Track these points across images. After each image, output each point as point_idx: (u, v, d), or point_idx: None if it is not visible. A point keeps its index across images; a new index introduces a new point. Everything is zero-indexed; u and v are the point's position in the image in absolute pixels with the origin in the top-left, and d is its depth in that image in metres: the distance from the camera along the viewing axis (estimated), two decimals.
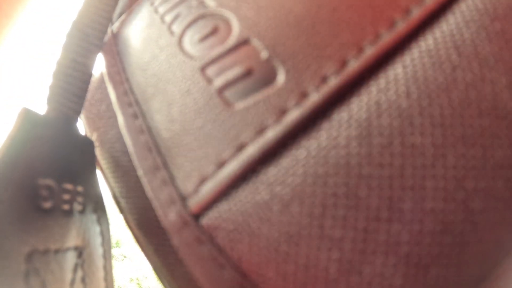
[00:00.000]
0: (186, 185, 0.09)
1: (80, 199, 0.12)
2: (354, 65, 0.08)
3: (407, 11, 0.09)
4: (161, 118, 0.10)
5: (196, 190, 0.08)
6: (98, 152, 0.13)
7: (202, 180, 0.08)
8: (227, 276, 0.08)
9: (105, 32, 0.13)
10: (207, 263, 0.08)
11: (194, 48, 0.10)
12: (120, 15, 0.15)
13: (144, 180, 0.09)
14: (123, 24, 0.13)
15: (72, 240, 0.11)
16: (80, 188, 0.12)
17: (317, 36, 0.09)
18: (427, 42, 0.08)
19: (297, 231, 0.07)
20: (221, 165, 0.08)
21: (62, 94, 0.12)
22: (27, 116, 0.11)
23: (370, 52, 0.08)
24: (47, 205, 0.11)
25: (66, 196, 0.11)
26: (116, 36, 0.13)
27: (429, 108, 0.08)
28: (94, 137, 0.13)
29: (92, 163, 0.12)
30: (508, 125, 0.07)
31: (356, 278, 0.07)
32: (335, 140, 0.08)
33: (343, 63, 0.08)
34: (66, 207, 0.11)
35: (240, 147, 0.08)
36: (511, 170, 0.07)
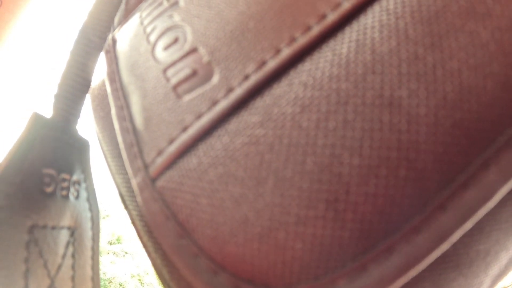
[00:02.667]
0: (148, 157, 0.11)
1: (75, 187, 0.14)
2: (271, 65, 0.10)
3: (323, 17, 0.10)
4: (137, 108, 0.12)
5: (153, 160, 0.11)
6: (102, 139, 0.15)
7: (158, 153, 0.11)
8: (170, 227, 0.10)
9: (104, 40, 0.15)
10: (158, 216, 0.10)
11: (160, 55, 0.13)
12: (119, 23, 0.18)
13: (124, 156, 0.12)
14: (120, 32, 0.16)
15: (67, 220, 0.14)
16: (75, 178, 0.14)
17: (245, 43, 0.11)
18: (337, 42, 0.10)
19: (211, 188, 0.10)
20: (170, 141, 0.11)
21: (65, 103, 0.14)
22: (37, 119, 0.13)
23: (285, 53, 0.10)
24: (49, 189, 0.13)
25: (64, 184, 0.14)
26: (115, 41, 0.16)
27: (326, 98, 0.09)
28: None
29: (87, 159, 0.15)
30: (391, 111, 0.09)
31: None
32: (246, 125, 0.10)
33: (262, 63, 0.10)
34: (63, 193, 0.14)
35: (184, 128, 0.11)
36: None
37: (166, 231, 0.10)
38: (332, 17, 0.10)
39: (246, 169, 0.09)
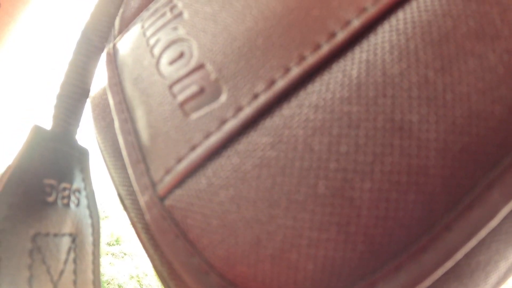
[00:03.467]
0: (156, 175, 0.11)
1: (75, 195, 0.15)
2: (280, 84, 0.10)
3: (332, 35, 0.10)
4: (142, 123, 0.12)
5: (162, 179, 0.11)
6: (104, 149, 0.15)
7: (166, 172, 0.11)
8: (180, 245, 0.10)
9: (105, 41, 0.15)
10: (167, 235, 0.10)
11: (166, 70, 0.13)
12: (120, 32, 0.17)
13: (130, 171, 0.12)
14: (121, 41, 0.16)
15: (68, 227, 0.14)
16: (76, 187, 0.15)
17: (253, 60, 0.11)
18: (347, 62, 0.10)
19: (222, 210, 0.10)
20: (179, 160, 0.11)
21: (64, 113, 0.15)
22: (37, 131, 0.14)
23: (295, 72, 0.10)
24: (50, 199, 0.14)
25: (65, 193, 0.14)
26: (116, 52, 0.15)
27: (338, 121, 0.09)
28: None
29: (86, 167, 0.16)
30: (402, 136, 0.09)
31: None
32: (256, 146, 0.10)
33: (272, 82, 0.10)
34: (64, 201, 0.14)
35: (193, 147, 0.11)
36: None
37: (175, 249, 0.10)
38: (341, 35, 0.10)
39: (258, 192, 0.09)
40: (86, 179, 0.15)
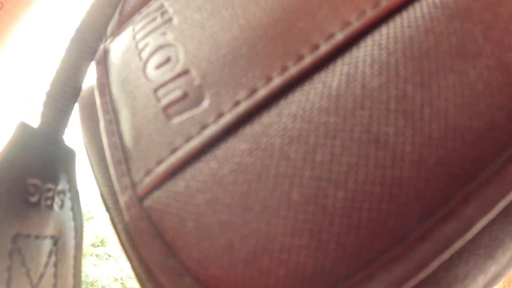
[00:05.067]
0: (136, 176, 0.11)
1: (60, 197, 0.14)
2: (261, 93, 0.10)
3: (316, 47, 0.10)
4: (126, 125, 0.13)
5: (141, 180, 0.11)
6: (89, 149, 0.15)
7: (146, 173, 0.11)
8: (156, 246, 0.10)
9: (99, 41, 0.15)
10: (145, 235, 0.10)
11: (152, 73, 0.13)
12: (112, 33, 0.17)
13: (112, 171, 0.12)
14: (112, 43, 0.16)
15: (50, 229, 0.14)
16: (60, 188, 0.15)
17: (237, 68, 0.11)
18: (328, 74, 0.10)
19: (198, 212, 0.10)
20: (159, 162, 0.11)
21: (53, 111, 0.15)
22: (23, 129, 0.14)
23: (276, 82, 0.10)
24: (33, 199, 0.14)
25: (49, 194, 0.14)
26: (106, 52, 0.16)
27: (315, 131, 0.09)
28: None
29: (72, 168, 0.15)
30: (377, 148, 0.09)
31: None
32: (234, 152, 0.10)
33: (253, 91, 0.11)
34: (48, 202, 0.14)
35: (173, 150, 0.11)
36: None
37: (152, 250, 0.10)
38: (324, 48, 0.10)
39: (234, 196, 0.10)
40: (71, 180, 0.15)
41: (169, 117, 0.12)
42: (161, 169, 0.11)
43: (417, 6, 0.10)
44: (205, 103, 0.11)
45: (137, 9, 0.17)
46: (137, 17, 0.16)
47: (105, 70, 0.15)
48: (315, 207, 0.09)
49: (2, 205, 0.13)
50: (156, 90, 0.12)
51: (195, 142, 0.11)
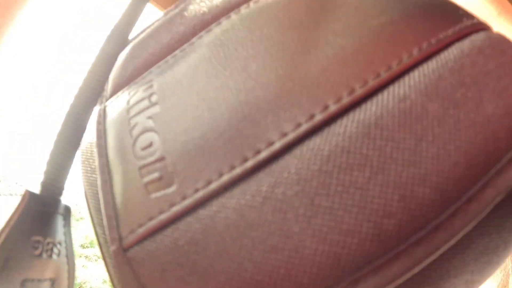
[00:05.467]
0: (123, 232, 0.15)
1: (57, 247, 0.19)
2: (213, 185, 0.13)
3: (270, 144, 0.13)
4: (118, 189, 0.16)
5: (127, 236, 0.14)
6: (88, 194, 0.18)
7: (131, 232, 0.14)
8: (133, 285, 0.14)
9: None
10: (126, 276, 0.14)
11: (138, 153, 0.16)
12: (112, 94, 0.20)
13: (105, 222, 0.15)
14: (111, 106, 0.19)
15: (49, 274, 0.18)
16: (58, 240, 0.19)
17: (199, 162, 0.14)
18: (259, 177, 0.13)
19: (162, 268, 0.13)
20: (140, 226, 0.14)
21: (53, 178, 0.19)
22: (29, 196, 0.18)
23: (225, 178, 0.13)
24: (37, 252, 0.18)
25: (49, 246, 0.18)
26: (105, 115, 0.19)
27: (243, 220, 0.13)
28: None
29: (68, 222, 0.19)
30: (285, 242, 0.12)
31: None
32: (190, 228, 0.13)
33: (208, 182, 0.14)
34: (48, 253, 0.18)
35: (150, 219, 0.14)
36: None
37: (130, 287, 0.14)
38: (264, 154, 0.13)
39: (187, 261, 0.13)
40: (67, 232, 0.19)
41: (148, 192, 0.15)
42: (141, 230, 0.14)
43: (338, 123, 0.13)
44: (174, 187, 0.14)
45: (134, 75, 0.20)
46: (133, 87, 0.19)
47: (104, 133, 0.18)
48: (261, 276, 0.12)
49: (14, 259, 0.17)
50: (140, 168, 0.16)
51: (166, 215, 0.14)
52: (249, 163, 0.13)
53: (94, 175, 0.18)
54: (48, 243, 0.18)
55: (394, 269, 0.11)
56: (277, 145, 0.13)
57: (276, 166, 0.13)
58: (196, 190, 0.14)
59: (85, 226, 2.29)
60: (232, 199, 0.13)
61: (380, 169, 0.12)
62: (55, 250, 0.19)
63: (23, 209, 0.17)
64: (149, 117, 0.17)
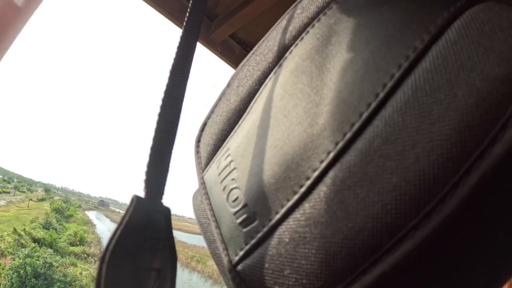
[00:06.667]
0: (231, 254, 0.22)
1: (162, 243, 0.22)
2: (281, 212, 0.21)
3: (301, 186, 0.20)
4: (223, 228, 0.24)
5: (234, 257, 0.22)
6: (202, 232, 0.27)
7: (236, 253, 0.22)
8: None
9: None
10: (238, 285, 0.21)
11: (231, 204, 0.23)
12: (205, 165, 0.29)
13: (219, 246, 0.24)
14: (207, 176, 0.27)
15: (156, 264, 0.21)
16: (162, 236, 0.22)
17: (267, 200, 0.21)
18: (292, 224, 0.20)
19: (272, 277, 0.20)
20: (240, 249, 0.22)
21: (153, 185, 0.22)
22: (137, 201, 0.21)
23: (290, 203, 0.20)
24: (146, 245, 0.21)
25: (155, 241, 0.21)
26: (205, 183, 0.27)
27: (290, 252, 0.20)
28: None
29: (169, 222, 0.23)
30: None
31: None
32: (268, 251, 0.20)
33: (276, 212, 0.21)
34: (154, 247, 0.21)
35: (246, 243, 0.22)
36: None
37: None
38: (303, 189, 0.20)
39: (282, 268, 0.20)
40: (169, 231, 0.22)
41: (241, 227, 0.22)
42: (241, 253, 0.22)
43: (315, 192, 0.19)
44: (257, 221, 0.22)
45: (215, 148, 0.28)
46: (218, 157, 0.27)
47: (206, 198, 0.26)
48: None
49: (130, 252, 0.20)
50: (234, 214, 0.23)
51: (254, 240, 0.21)
52: (296, 196, 0.20)
53: (204, 220, 0.27)
54: (154, 238, 0.21)
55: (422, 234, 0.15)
56: (316, 174, 0.19)
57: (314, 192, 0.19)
58: (270, 220, 0.21)
59: (72, 225, 2.27)
60: (285, 231, 0.20)
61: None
62: (160, 245, 0.22)
63: (132, 212, 0.20)
64: (232, 179, 0.24)
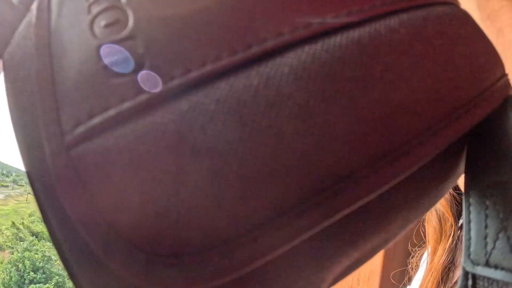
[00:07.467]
0: (65, 125, 0.12)
1: None
2: (193, 74, 0.12)
3: (248, 46, 0.12)
4: (63, 74, 0.13)
5: (70, 130, 0.12)
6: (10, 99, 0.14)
7: (75, 124, 0.12)
8: (78, 193, 0.11)
9: None
10: (67, 182, 0.11)
11: (98, 30, 0.13)
12: None
13: (41, 120, 0.12)
14: None
15: None
16: None
17: (178, 47, 0.12)
18: (252, 72, 0.12)
19: (122, 167, 0.11)
20: (91, 116, 0.12)
21: None
22: None
23: (208, 68, 0.12)
24: None
25: None
26: None
27: (230, 116, 0.11)
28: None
29: None
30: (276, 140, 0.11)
31: None
32: (158, 120, 0.11)
33: (188, 71, 0.12)
34: None
35: (106, 108, 0.12)
36: None
37: (73, 196, 0.11)
38: (256, 49, 0.12)
39: (148, 158, 0.11)
40: None
41: (108, 77, 0.12)
42: (93, 122, 0.11)
43: (339, 36, 0.13)
44: (143, 71, 0.12)
45: None
46: None
47: (48, 10, 0.14)
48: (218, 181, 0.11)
49: None
50: (98, 47, 0.13)
51: (128, 105, 0.11)
52: (238, 56, 0.12)
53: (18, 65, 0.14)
54: None
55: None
56: (270, 43, 0.12)
57: (269, 63, 0.12)
58: (171, 78, 0.12)
59: None
60: (216, 90, 0.12)
61: (368, 85, 0.12)
62: None
63: None
64: None
